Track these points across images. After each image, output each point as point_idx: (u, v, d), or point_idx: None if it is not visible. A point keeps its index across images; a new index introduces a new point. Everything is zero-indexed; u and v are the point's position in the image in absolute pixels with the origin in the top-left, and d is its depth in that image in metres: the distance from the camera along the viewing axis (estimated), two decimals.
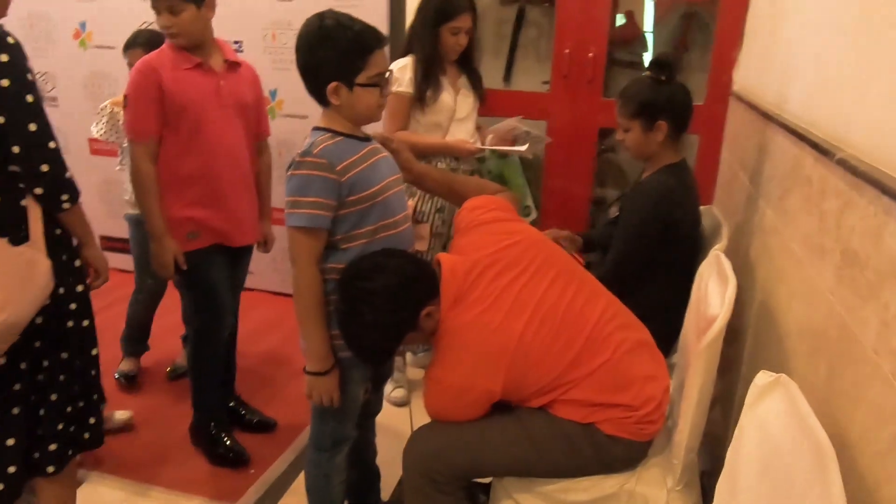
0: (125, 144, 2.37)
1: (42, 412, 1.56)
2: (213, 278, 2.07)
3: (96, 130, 2.50)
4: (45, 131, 1.42)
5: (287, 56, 3.01)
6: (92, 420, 1.68)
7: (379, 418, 1.89)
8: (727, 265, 1.50)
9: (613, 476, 1.46)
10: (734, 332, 1.75)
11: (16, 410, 1.52)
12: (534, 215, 2.73)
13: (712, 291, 1.52)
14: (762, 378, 1.07)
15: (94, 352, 1.66)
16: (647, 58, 3.11)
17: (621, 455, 1.45)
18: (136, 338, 2.66)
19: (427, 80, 2.28)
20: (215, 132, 1.96)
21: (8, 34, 1.38)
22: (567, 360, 1.40)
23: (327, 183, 1.38)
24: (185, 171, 1.96)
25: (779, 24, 1.94)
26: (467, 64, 2.39)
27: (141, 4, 3.18)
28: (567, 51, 2.70)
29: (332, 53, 1.36)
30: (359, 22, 1.39)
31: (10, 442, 1.51)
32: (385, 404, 1.99)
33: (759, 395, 1.06)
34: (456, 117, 2.38)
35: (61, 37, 3.40)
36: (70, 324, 1.57)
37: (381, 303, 1.36)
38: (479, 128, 2.43)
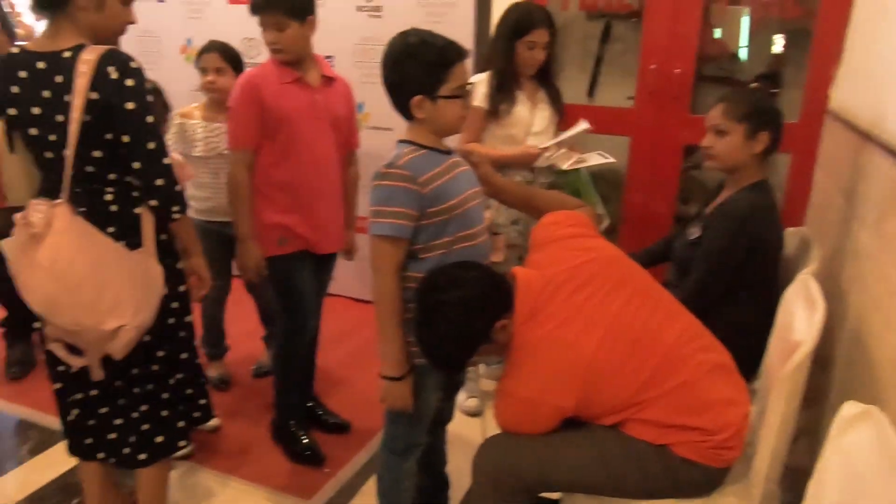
0: (194, 154, 2.47)
1: (165, 395, 1.73)
2: (299, 283, 2.14)
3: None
4: (162, 149, 1.55)
5: (374, 71, 3.07)
6: (202, 401, 1.85)
7: (450, 427, 1.92)
8: (816, 290, 1.45)
9: (685, 501, 1.43)
10: (823, 361, 1.67)
11: (136, 390, 1.69)
12: (606, 223, 2.69)
13: (799, 316, 1.47)
14: (849, 409, 1.03)
15: (193, 344, 1.80)
16: (741, 74, 3.01)
17: (695, 479, 1.41)
18: (214, 341, 2.76)
19: (501, 93, 2.32)
20: (308, 143, 2.05)
21: (132, 59, 1.51)
22: (641, 380, 1.39)
23: (410, 194, 1.43)
24: (278, 178, 2.06)
25: (881, 40, 1.85)
26: (546, 78, 2.41)
27: (242, 21, 3.40)
28: (653, 66, 2.66)
29: (415, 68, 1.42)
30: (441, 38, 1.45)
31: (135, 415, 1.71)
32: (457, 413, 2.01)
33: (845, 426, 1.02)
34: (532, 131, 2.40)
35: (169, 52, 3.65)
36: (172, 320, 1.69)
37: (456, 315, 1.39)
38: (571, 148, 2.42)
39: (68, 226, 1.49)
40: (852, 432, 1.00)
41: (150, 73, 3.18)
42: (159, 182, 1.55)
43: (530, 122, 2.39)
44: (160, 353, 1.69)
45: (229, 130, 2.07)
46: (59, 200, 1.51)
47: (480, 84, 2.34)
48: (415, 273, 1.49)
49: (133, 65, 1.50)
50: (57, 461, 2.21)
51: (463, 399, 2.60)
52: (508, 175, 2.36)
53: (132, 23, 1.61)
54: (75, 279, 1.48)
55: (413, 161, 1.44)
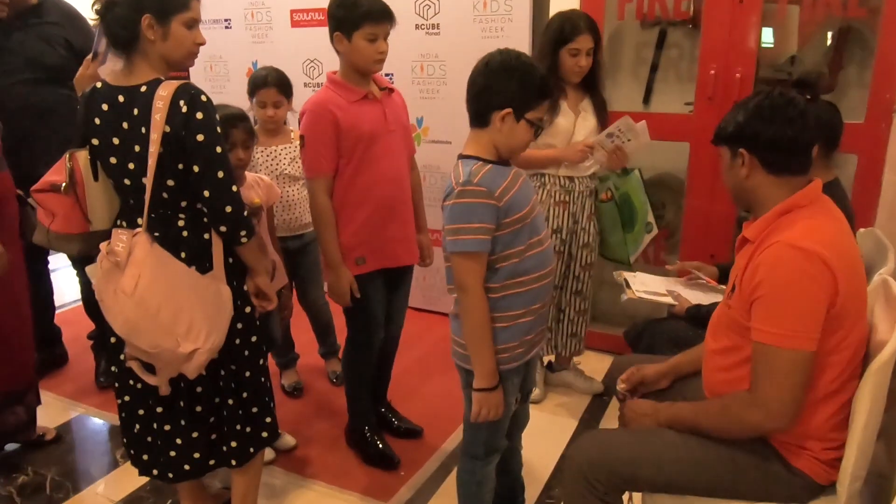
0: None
1: (224, 413, 1.80)
2: (371, 303, 2.18)
3: None
4: (230, 177, 1.63)
5: (433, 86, 3.20)
6: (268, 419, 1.89)
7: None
8: None
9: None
10: None
11: (198, 409, 1.78)
12: (655, 231, 2.70)
13: (879, 317, 1.47)
14: None
15: (261, 362, 1.87)
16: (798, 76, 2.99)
17: (793, 490, 1.43)
18: (283, 351, 2.85)
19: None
20: (384, 157, 2.07)
21: (202, 93, 1.61)
22: (848, 365, 1.38)
23: (489, 209, 1.48)
24: (354, 197, 2.06)
25: None
26: (591, 86, 2.45)
27: (305, 43, 3.55)
28: (712, 72, 2.67)
29: (521, 84, 1.48)
30: (543, 71, 1.53)
31: (195, 434, 1.78)
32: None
33: None
34: (573, 140, 2.44)
35: (236, 75, 3.83)
36: (237, 340, 1.77)
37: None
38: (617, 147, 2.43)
39: (147, 254, 1.60)
40: None
41: (219, 97, 3.35)
42: (228, 209, 1.63)
43: (571, 132, 2.43)
44: (224, 372, 1.77)
45: (307, 159, 2.05)
46: (138, 229, 1.63)
47: None
48: (493, 284, 1.54)
49: (203, 98, 1.59)
50: None
51: None
52: (544, 179, 2.46)
53: (201, 44, 1.69)
54: (154, 305, 1.58)
55: (486, 177, 1.49)
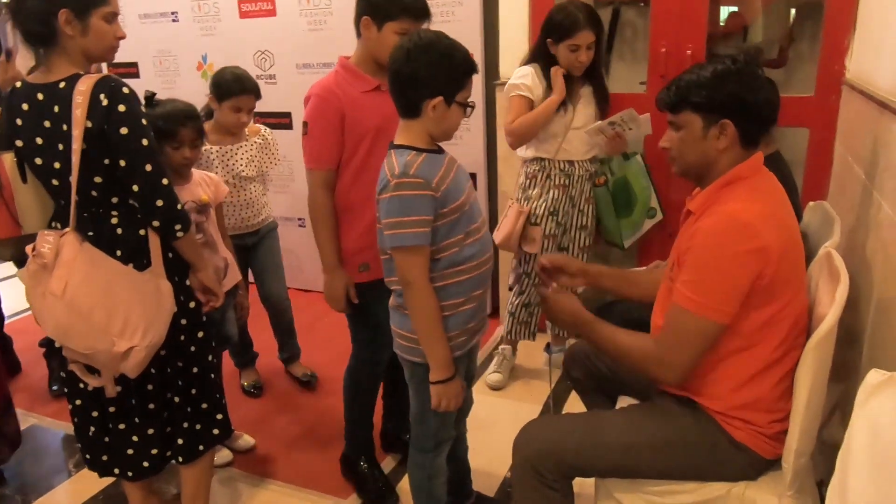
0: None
1: (173, 410, 1.77)
2: (378, 313, 1.88)
3: None
4: (159, 170, 1.58)
5: None
6: (219, 416, 1.85)
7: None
8: (839, 262, 1.44)
9: (724, 483, 1.43)
10: (851, 335, 1.66)
11: (151, 406, 1.74)
12: (659, 216, 2.71)
13: (822, 290, 1.46)
14: (874, 377, 1.03)
15: (210, 358, 1.82)
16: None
17: (740, 467, 1.43)
18: (240, 349, 2.76)
19: (543, 89, 2.37)
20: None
21: (124, 85, 1.55)
22: (786, 327, 1.37)
23: (427, 200, 1.44)
24: (358, 197, 1.86)
25: (894, 7, 1.83)
26: (593, 76, 2.43)
27: (255, 34, 3.47)
28: (663, 49, 2.65)
29: (444, 69, 1.43)
30: (462, 46, 1.47)
31: (150, 431, 1.76)
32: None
33: (870, 393, 1.02)
34: (572, 126, 2.44)
35: (186, 69, 3.73)
36: (182, 337, 1.73)
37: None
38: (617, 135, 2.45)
39: (76, 254, 1.55)
40: (878, 399, 1.00)
41: (169, 92, 3.28)
42: (160, 203, 1.58)
43: (570, 119, 2.43)
44: (170, 369, 1.73)
45: (309, 148, 1.84)
46: (66, 229, 1.58)
47: (526, 77, 2.39)
48: (433, 274, 1.51)
49: (124, 90, 1.54)
50: None
51: (490, 371, 2.72)
52: (547, 172, 2.48)
53: (121, 38, 1.63)
54: (86, 306, 1.54)
55: (422, 167, 1.44)
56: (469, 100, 1.49)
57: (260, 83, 3.51)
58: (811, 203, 1.97)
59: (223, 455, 2.33)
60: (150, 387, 1.72)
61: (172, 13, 3.65)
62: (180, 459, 1.82)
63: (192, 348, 1.77)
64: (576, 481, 1.53)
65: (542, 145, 2.48)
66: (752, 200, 1.33)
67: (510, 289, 2.75)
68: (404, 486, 2.15)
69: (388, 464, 2.31)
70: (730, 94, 1.33)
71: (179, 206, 1.63)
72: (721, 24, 3.02)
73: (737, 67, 1.35)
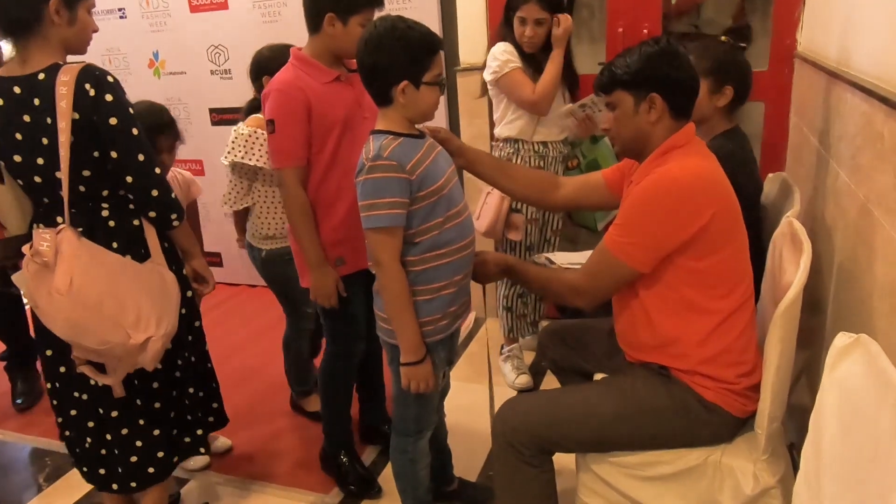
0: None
1: (186, 403, 1.79)
2: (352, 307, 1.94)
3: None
4: (151, 159, 1.56)
5: None
6: (215, 405, 1.88)
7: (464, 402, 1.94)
8: (801, 230, 1.47)
9: (698, 449, 1.46)
10: (815, 302, 1.71)
11: (158, 405, 1.72)
12: None
13: (787, 259, 1.50)
14: (841, 339, 1.06)
15: (205, 347, 1.86)
16: (708, 28, 3.03)
17: (713, 428, 1.46)
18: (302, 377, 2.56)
19: (523, 65, 2.35)
20: (357, 147, 1.71)
21: (108, 73, 1.52)
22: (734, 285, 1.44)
23: (400, 183, 1.44)
24: (328, 192, 1.84)
25: None
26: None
27: (206, 29, 3.39)
28: (620, 29, 2.67)
29: (403, 53, 1.43)
30: (422, 25, 1.47)
31: (156, 432, 1.72)
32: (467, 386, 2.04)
33: (838, 356, 1.05)
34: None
35: (137, 68, 3.63)
36: (182, 325, 1.71)
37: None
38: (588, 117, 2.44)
39: (76, 249, 1.51)
40: (846, 362, 1.03)
41: None
42: (155, 193, 1.57)
43: None
44: (181, 362, 1.74)
45: (277, 146, 1.78)
46: (62, 226, 1.53)
47: (507, 52, 2.36)
48: (412, 257, 1.52)
49: (109, 79, 1.51)
50: (74, 486, 2.23)
51: (514, 377, 2.66)
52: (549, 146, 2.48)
53: (95, 31, 1.63)
54: (95, 298, 1.50)
55: (396, 150, 1.45)
56: (439, 76, 1.49)
57: (215, 79, 3.51)
58: (770, 175, 2.02)
59: (199, 460, 2.27)
60: (155, 384, 1.70)
61: (119, 9, 3.55)
62: (202, 451, 1.85)
63: (190, 337, 1.77)
64: (558, 459, 1.55)
65: (516, 125, 2.47)
66: (685, 162, 1.42)
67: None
68: (386, 476, 2.15)
69: (368, 455, 2.30)
70: (653, 68, 1.43)
71: (173, 195, 1.62)
72: (672, 1, 3.05)
73: (660, 46, 1.44)
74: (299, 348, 2.47)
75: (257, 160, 2.16)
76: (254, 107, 2.25)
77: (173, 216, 1.63)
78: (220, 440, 2.39)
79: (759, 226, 1.83)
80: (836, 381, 1.04)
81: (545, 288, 1.64)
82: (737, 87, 1.79)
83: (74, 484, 2.24)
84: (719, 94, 1.79)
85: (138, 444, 1.70)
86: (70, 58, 1.58)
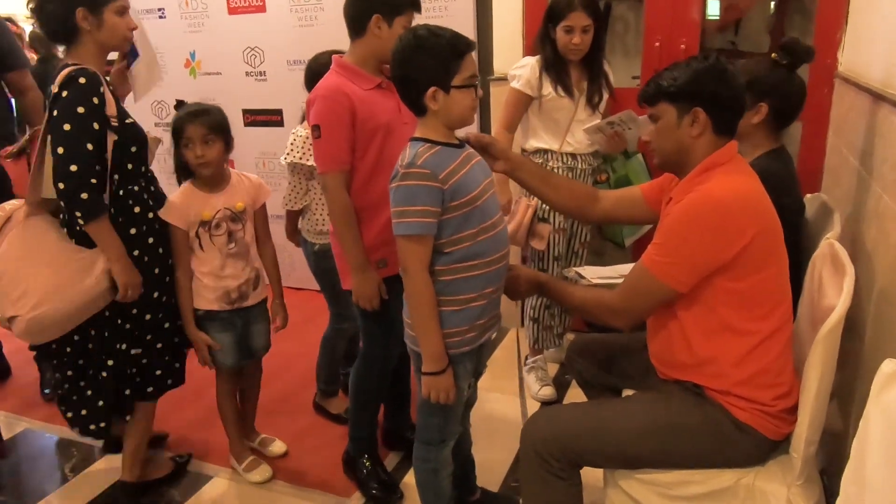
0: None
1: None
2: (392, 309, 1.90)
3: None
4: (71, 156, 1.68)
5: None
6: (158, 372, 2.03)
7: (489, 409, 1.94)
8: (843, 253, 1.46)
9: (730, 470, 1.44)
10: (851, 325, 1.67)
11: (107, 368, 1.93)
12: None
13: (827, 281, 1.48)
14: (889, 366, 1.04)
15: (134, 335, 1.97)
16: (746, 45, 3.01)
17: (746, 450, 1.44)
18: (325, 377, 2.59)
19: (543, 80, 2.37)
20: (399, 152, 1.68)
21: (84, 76, 1.70)
22: (772, 305, 1.43)
23: (432, 191, 1.44)
24: (372, 196, 1.85)
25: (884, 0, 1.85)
26: (591, 67, 2.42)
27: (243, 31, 3.43)
28: (657, 44, 2.66)
29: (428, 60, 1.44)
30: (448, 30, 1.47)
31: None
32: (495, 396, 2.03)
33: (885, 382, 1.03)
34: (576, 118, 2.44)
35: (174, 67, 3.68)
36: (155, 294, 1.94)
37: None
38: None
39: (14, 225, 1.80)
40: (893, 388, 1.01)
41: (157, 91, 3.22)
42: (61, 185, 1.69)
43: (573, 110, 2.42)
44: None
45: (323, 150, 1.81)
46: (20, 202, 1.84)
47: (524, 68, 2.40)
48: (442, 267, 1.51)
49: (80, 80, 1.69)
50: (100, 476, 2.27)
51: (537, 389, 2.65)
52: (548, 166, 2.46)
53: (133, 29, 1.84)
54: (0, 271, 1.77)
55: (431, 159, 1.46)
56: (471, 77, 1.48)
57: (249, 80, 3.55)
58: (808, 195, 2.00)
59: (262, 471, 2.25)
60: (110, 363, 1.91)
61: (159, 9, 3.60)
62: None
63: (128, 326, 1.91)
64: (586, 474, 1.54)
65: (545, 135, 2.48)
66: (727, 180, 1.41)
67: None
68: (407, 483, 2.15)
69: (390, 461, 2.30)
70: (699, 83, 1.42)
71: (83, 196, 1.69)
72: (709, 17, 3.03)
73: (709, 63, 1.44)
74: (336, 347, 2.50)
75: (313, 161, 2.18)
76: None
77: (77, 214, 1.71)
78: (276, 444, 2.37)
79: (799, 247, 1.80)
80: (882, 408, 1.02)
81: (581, 308, 1.61)
82: (775, 105, 1.77)
83: (100, 475, 2.27)
84: (753, 111, 1.78)
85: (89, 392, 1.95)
86: None
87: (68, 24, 1.71)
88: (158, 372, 2.03)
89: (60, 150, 1.67)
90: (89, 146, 1.71)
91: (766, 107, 1.77)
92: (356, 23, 1.82)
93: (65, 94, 1.68)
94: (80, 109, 1.68)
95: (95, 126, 1.72)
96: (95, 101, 1.71)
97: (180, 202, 1.98)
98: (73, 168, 1.67)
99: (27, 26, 4.27)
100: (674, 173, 1.55)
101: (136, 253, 1.86)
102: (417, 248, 1.48)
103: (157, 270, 1.94)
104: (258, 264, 2.13)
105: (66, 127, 1.67)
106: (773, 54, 1.81)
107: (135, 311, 1.91)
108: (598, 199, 1.80)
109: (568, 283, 1.65)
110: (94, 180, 1.72)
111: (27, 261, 1.75)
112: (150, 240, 1.91)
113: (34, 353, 2.86)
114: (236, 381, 2.25)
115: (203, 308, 2.05)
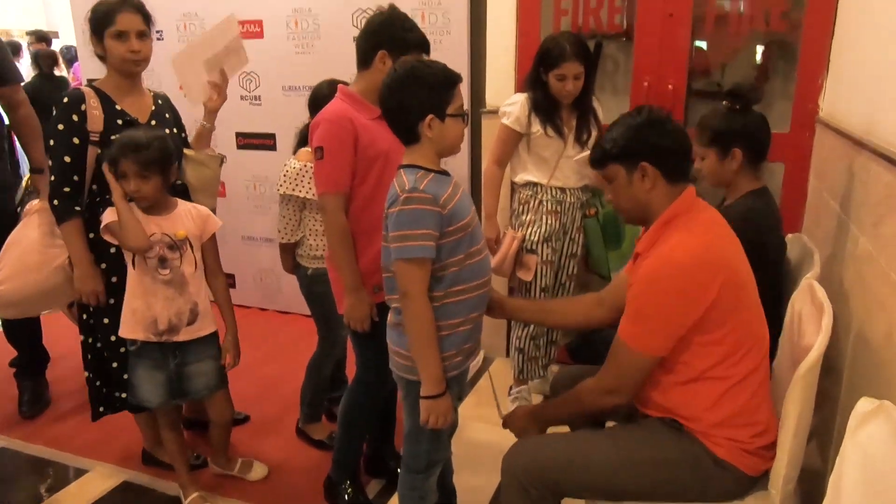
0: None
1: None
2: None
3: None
4: (52, 167, 1.95)
5: None
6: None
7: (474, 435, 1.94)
8: (822, 294, 1.49)
9: None
10: (830, 364, 1.71)
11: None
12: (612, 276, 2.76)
13: (806, 320, 1.52)
14: (864, 405, 1.07)
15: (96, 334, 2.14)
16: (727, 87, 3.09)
17: (725, 486, 1.45)
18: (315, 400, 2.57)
19: (532, 119, 2.44)
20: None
21: (68, 95, 1.96)
22: (743, 350, 1.44)
23: (434, 216, 1.48)
24: (369, 222, 1.87)
25: (866, 49, 1.92)
26: (581, 106, 2.49)
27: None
28: (646, 83, 2.74)
29: (424, 89, 1.49)
30: (439, 62, 1.54)
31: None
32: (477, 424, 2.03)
33: (861, 421, 1.06)
34: (565, 155, 2.50)
35: (169, 90, 3.68)
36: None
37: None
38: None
39: (34, 211, 2.20)
40: (868, 427, 1.04)
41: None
42: (47, 191, 1.98)
43: (562, 147, 2.48)
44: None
45: (325, 172, 1.84)
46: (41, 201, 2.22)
47: (515, 105, 2.46)
48: (434, 293, 1.54)
49: (64, 100, 1.94)
50: (76, 497, 2.23)
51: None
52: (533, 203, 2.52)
53: (134, 51, 1.98)
54: None
55: (430, 184, 1.49)
56: (462, 107, 1.54)
57: (244, 104, 3.58)
58: (789, 235, 2.05)
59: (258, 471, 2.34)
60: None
61: (157, 31, 3.63)
62: None
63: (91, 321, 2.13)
64: None
65: (534, 170, 2.53)
66: (688, 238, 1.43)
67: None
68: None
69: (371, 488, 2.28)
70: (639, 139, 1.48)
71: (56, 203, 1.96)
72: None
73: (642, 117, 1.49)
74: (322, 372, 2.49)
75: (305, 192, 2.24)
76: (305, 135, 2.32)
77: (54, 216, 2.00)
78: (256, 468, 2.36)
79: (781, 285, 1.85)
80: (858, 445, 1.05)
81: (579, 408, 1.59)
82: (746, 147, 1.84)
83: (76, 495, 2.24)
84: (730, 159, 1.84)
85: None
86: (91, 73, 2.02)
87: (98, 49, 2.01)
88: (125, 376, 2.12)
89: (48, 161, 1.96)
90: (66, 159, 1.94)
91: (739, 152, 1.84)
92: (364, 55, 1.88)
93: (55, 111, 1.93)
94: (60, 126, 1.93)
95: (75, 141, 1.94)
96: (75, 118, 1.93)
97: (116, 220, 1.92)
98: (52, 178, 1.95)
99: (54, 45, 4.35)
100: (641, 224, 1.59)
101: (94, 258, 2.02)
102: (418, 271, 1.50)
103: (114, 279, 2.04)
104: (200, 300, 2.03)
105: (51, 142, 1.95)
106: (724, 102, 1.89)
107: (91, 310, 2.09)
108: (601, 301, 1.77)
109: (554, 399, 1.69)
110: (67, 189, 1.95)
111: (16, 244, 2.15)
112: (112, 249, 2.01)
113: (13, 369, 2.87)
114: (176, 413, 2.21)
115: (129, 336, 1.99)
